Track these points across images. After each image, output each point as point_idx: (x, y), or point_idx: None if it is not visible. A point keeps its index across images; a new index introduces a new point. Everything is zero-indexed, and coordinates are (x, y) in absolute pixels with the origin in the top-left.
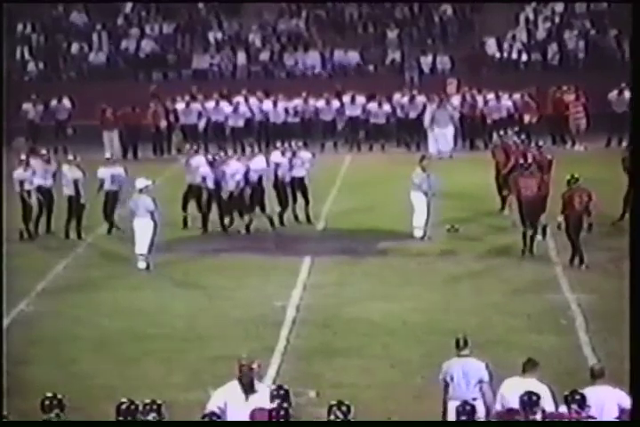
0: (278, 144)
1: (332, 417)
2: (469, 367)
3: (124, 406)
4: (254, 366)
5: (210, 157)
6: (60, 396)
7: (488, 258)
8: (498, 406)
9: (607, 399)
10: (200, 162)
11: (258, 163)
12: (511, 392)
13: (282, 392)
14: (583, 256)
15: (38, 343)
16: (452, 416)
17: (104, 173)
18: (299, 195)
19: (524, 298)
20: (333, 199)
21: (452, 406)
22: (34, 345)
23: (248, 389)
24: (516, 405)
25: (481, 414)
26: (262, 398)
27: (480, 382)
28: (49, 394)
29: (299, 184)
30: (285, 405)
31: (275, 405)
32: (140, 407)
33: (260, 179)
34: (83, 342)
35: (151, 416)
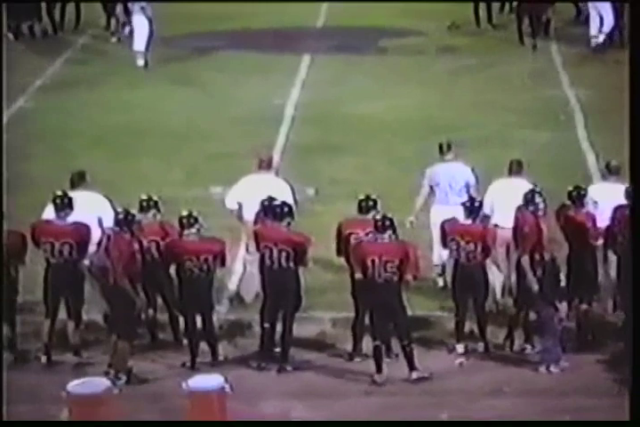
0: None
1: (366, 211)
2: (454, 172)
3: (120, 216)
4: (274, 161)
5: None
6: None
7: (488, 54)
8: (487, 210)
9: (616, 196)
10: None
11: None
12: (498, 194)
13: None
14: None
15: (37, 139)
16: (435, 220)
17: None
18: None
19: (522, 94)
20: None
21: (436, 210)
22: (33, 141)
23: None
24: (503, 206)
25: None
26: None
27: (466, 186)
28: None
29: None
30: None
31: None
32: (137, 206)
33: None
34: (81, 138)
35: (151, 213)
